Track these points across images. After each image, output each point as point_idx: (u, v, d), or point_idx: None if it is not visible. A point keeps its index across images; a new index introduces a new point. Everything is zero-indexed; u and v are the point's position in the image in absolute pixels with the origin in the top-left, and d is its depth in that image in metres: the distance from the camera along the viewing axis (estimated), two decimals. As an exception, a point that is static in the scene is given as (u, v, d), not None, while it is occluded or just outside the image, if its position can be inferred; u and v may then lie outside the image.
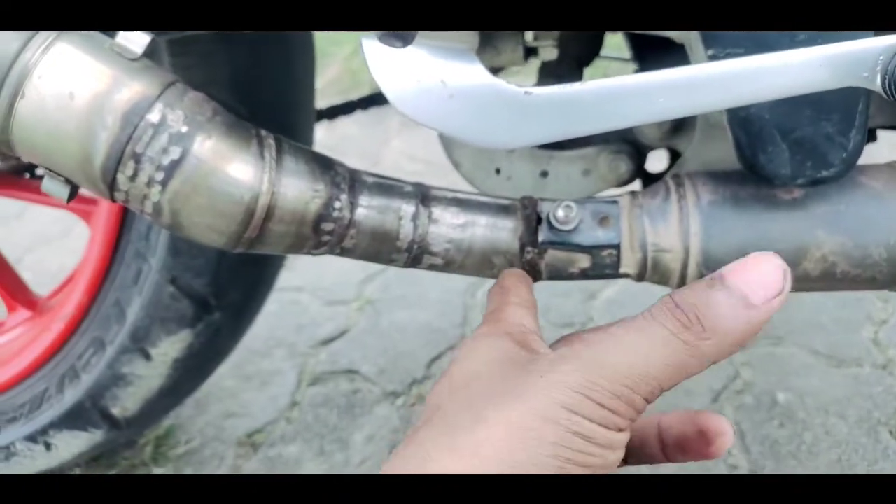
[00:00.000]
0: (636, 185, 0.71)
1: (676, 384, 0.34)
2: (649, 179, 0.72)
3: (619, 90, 0.39)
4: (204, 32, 0.53)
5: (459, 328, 1.13)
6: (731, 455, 0.87)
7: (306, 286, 1.28)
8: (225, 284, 0.72)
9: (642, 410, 0.34)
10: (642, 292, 1.16)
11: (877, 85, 0.37)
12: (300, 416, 1.00)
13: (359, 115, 1.01)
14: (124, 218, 0.71)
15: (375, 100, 0.97)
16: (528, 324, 0.42)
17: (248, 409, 1.02)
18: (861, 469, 0.83)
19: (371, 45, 0.41)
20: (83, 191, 0.77)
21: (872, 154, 0.54)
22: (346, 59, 2.15)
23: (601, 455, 0.32)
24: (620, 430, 0.33)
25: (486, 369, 0.36)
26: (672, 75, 0.39)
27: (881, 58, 0.36)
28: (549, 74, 0.66)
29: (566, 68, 0.65)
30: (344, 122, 1.21)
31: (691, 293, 0.34)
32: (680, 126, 0.65)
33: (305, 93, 0.74)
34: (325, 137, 1.87)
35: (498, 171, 0.69)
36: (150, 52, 0.45)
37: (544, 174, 0.69)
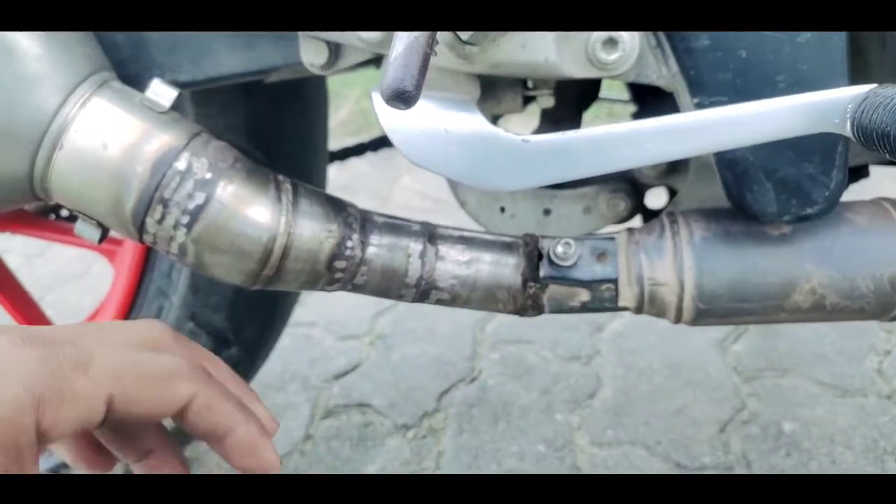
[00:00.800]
0: (637, 220, 0.74)
1: None
2: (650, 215, 0.74)
3: (610, 138, 0.42)
4: (225, 84, 0.57)
5: (469, 361, 1.16)
6: (737, 485, 0.88)
7: (319, 321, 1.31)
8: (242, 320, 0.75)
9: None
10: (648, 325, 1.18)
11: (847, 130, 0.39)
12: (313, 449, 1.02)
13: (369, 155, 1.05)
14: (147, 258, 0.74)
15: (385, 141, 1.00)
16: None
17: (263, 442, 1.04)
18: (866, 499, 0.84)
19: (379, 95, 0.44)
20: (76, 233, 0.81)
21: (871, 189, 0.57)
22: (357, 99, 2.21)
23: None
24: None
25: None
26: (659, 123, 0.42)
27: (850, 106, 0.39)
28: (550, 119, 0.69)
29: (565, 113, 0.68)
30: (355, 162, 1.25)
31: None
32: (675, 165, 0.68)
33: (319, 136, 0.78)
34: (337, 176, 1.92)
35: (502, 209, 0.72)
36: (177, 105, 0.49)
37: (547, 212, 0.72)
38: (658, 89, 0.58)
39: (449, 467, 0.95)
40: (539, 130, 0.70)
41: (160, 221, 0.47)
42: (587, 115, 0.73)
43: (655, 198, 0.75)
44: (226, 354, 0.76)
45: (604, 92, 0.75)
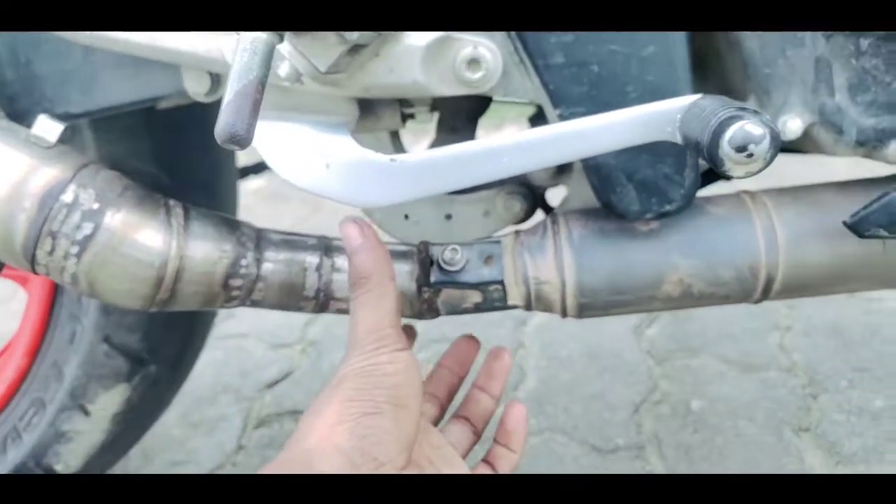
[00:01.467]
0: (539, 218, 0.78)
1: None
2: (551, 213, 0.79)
3: (471, 154, 0.46)
4: (117, 113, 0.58)
5: (398, 362, 1.18)
6: (649, 463, 0.93)
7: (251, 332, 1.33)
8: (158, 338, 0.76)
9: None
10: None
11: (677, 138, 0.44)
12: (246, 460, 1.04)
13: None
14: (57, 284, 0.75)
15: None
16: None
17: (195, 456, 1.05)
18: (767, 466, 0.91)
19: (260, 124, 0.47)
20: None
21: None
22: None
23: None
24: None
25: None
26: (516, 138, 0.46)
27: (678, 116, 0.44)
28: (446, 128, 0.73)
29: (459, 122, 0.71)
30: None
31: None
32: (564, 168, 0.72)
33: (224, 154, 0.79)
34: (266, 186, 1.92)
35: (406, 216, 0.75)
36: (71, 135, 0.51)
37: (448, 217, 0.75)
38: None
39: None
40: (435, 141, 0.74)
41: (50, 253, 0.48)
42: (484, 120, 0.76)
43: (556, 196, 0.79)
44: (144, 373, 0.77)
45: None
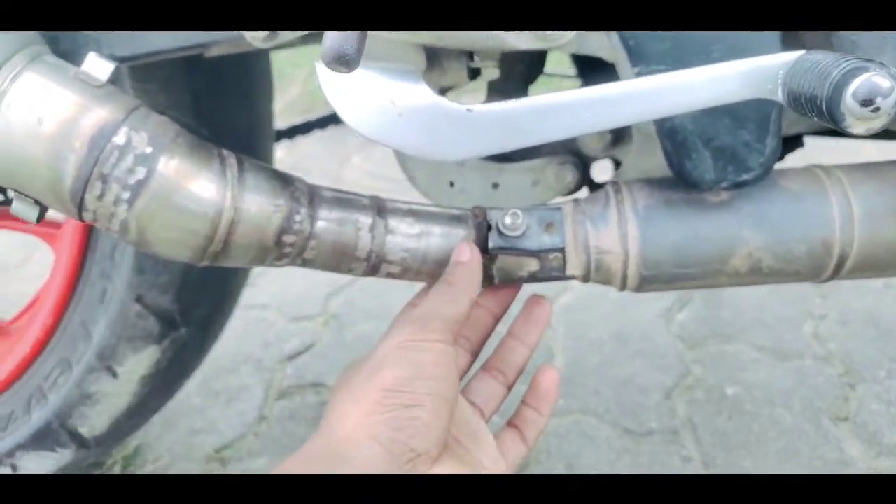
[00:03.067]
0: (583, 193, 0.75)
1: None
2: (595, 188, 0.76)
3: (552, 106, 0.43)
4: (165, 59, 0.55)
5: (422, 338, 1.16)
6: (684, 447, 0.91)
7: (272, 303, 1.30)
8: (190, 300, 0.74)
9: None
10: (596, 298, 1.21)
11: (779, 96, 0.41)
12: (268, 430, 1.02)
13: (319, 134, 1.04)
14: (89, 239, 0.73)
15: (333, 119, 1.00)
16: None
17: (216, 425, 1.03)
18: (805, 454, 0.88)
19: (324, 68, 0.44)
20: (47, 214, 0.78)
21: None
22: (304, 80, 2.18)
23: None
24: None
25: None
26: (600, 91, 0.43)
27: (781, 72, 0.41)
28: (496, 92, 0.70)
29: (512, 86, 0.69)
30: (305, 142, 1.24)
31: None
32: (620, 137, 0.69)
33: (264, 113, 0.77)
34: (287, 156, 1.89)
35: (451, 183, 0.73)
36: (114, 80, 0.48)
37: (495, 185, 0.73)
38: (602, 64, 0.59)
39: (405, 442, 0.96)
40: (486, 104, 0.71)
41: (100, 198, 0.45)
42: (534, 91, 0.74)
43: (601, 171, 0.76)
44: (174, 336, 0.75)
45: (550, 67, 0.76)
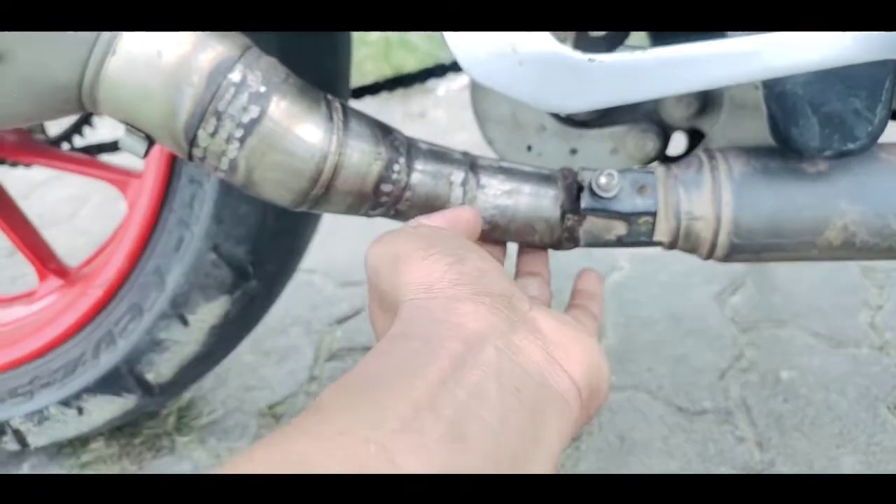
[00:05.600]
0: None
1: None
2: (668, 162, 0.75)
3: (675, 59, 0.42)
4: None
5: (472, 308, 1.16)
6: (738, 428, 0.91)
7: (318, 268, 1.31)
8: (263, 253, 0.75)
9: None
10: (646, 277, 1.20)
11: (913, 56, 0.40)
12: (319, 390, 1.03)
13: (363, 107, 1.04)
14: (168, 188, 0.73)
15: (396, 83, 0.99)
16: None
17: (268, 382, 1.04)
18: (862, 441, 0.88)
19: (445, 13, 0.44)
20: (119, 162, 0.79)
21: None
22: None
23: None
24: None
25: None
26: (723, 47, 0.43)
27: (917, 32, 0.40)
28: (586, 47, 0.69)
29: (604, 43, 0.68)
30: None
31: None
32: (706, 107, 0.68)
33: (344, 69, 0.77)
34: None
35: (529, 147, 0.72)
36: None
37: (573, 151, 0.72)
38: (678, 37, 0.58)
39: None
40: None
41: (213, 135, 0.46)
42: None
43: (674, 145, 0.75)
44: (245, 287, 0.76)
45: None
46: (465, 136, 1.59)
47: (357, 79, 2.03)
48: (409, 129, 1.78)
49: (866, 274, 1.18)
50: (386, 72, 2.05)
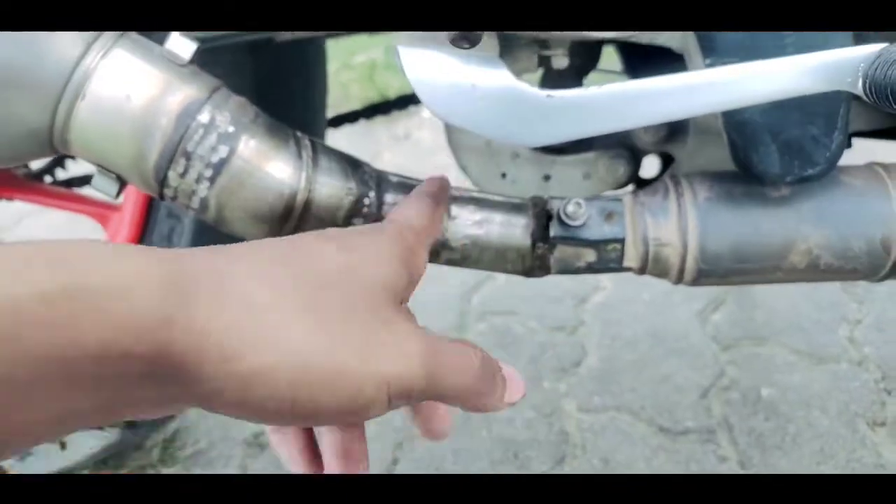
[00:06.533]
0: (629, 189, 0.76)
1: None
2: (641, 185, 0.76)
3: (631, 94, 0.44)
4: (231, 44, 0.56)
5: (457, 331, 1.17)
6: (720, 447, 0.91)
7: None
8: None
9: None
10: (629, 297, 1.21)
11: (858, 89, 0.41)
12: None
13: (349, 130, 1.05)
14: (146, 221, 0.74)
15: (375, 110, 1.01)
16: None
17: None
18: (842, 457, 0.88)
19: (407, 52, 0.45)
20: (99, 195, 0.79)
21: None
22: (335, 73, 2.19)
23: None
24: None
25: None
26: (678, 80, 0.44)
27: (862, 64, 0.41)
28: (552, 81, 0.70)
29: (568, 77, 0.69)
30: (335, 137, 1.25)
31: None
32: (673, 133, 0.70)
33: (319, 100, 0.78)
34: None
35: (504, 175, 0.73)
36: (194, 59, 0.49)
37: (547, 178, 0.73)
38: (651, 59, 0.59)
39: (440, 434, 0.97)
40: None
41: (183, 175, 0.47)
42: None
43: (647, 168, 0.77)
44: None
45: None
46: (449, 158, 1.60)
47: (343, 102, 2.06)
48: (395, 150, 1.80)
49: (845, 289, 1.19)
50: (372, 94, 2.07)
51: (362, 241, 0.37)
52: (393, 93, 2.06)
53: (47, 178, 0.93)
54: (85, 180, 0.93)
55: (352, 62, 2.20)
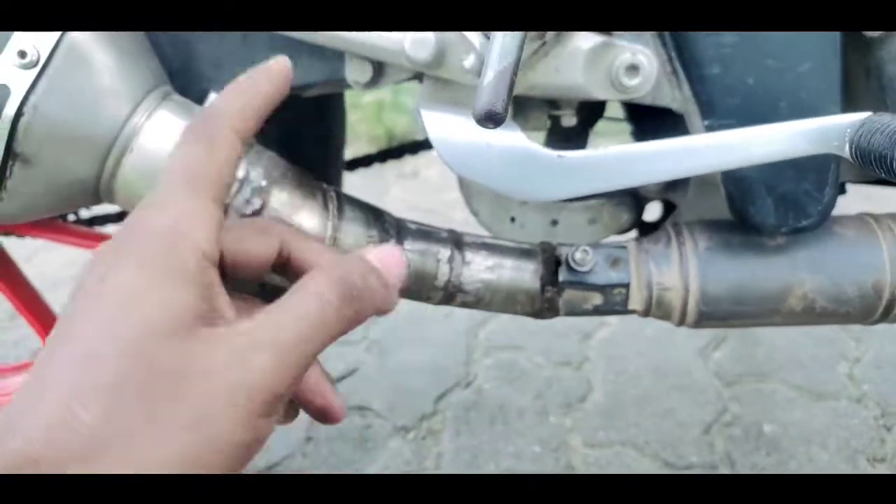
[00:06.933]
0: (632, 233, 0.79)
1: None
2: (644, 227, 0.80)
3: (635, 156, 0.47)
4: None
5: (464, 366, 1.20)
6: (723, 482, 0.94)
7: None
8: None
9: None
10: (634, 333, 1.24)
11: (845, 152, 0.45)
12: (315, 450, 1.05)
13: (360, 169, 1.09)
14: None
15: (391, 154, 1.05)
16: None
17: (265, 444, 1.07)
18: (842, 494, 0.90)
19: (429, 115, 0.49)
20: (99, 229, 0.83)
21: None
22: (344, 111, 2.25)
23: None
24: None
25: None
26: (679, 144, 0.47)
27: (848, 130, 0.45)
28: (558, 136, 0.74)
29: (574, 130, 0.73)
30: (348, 175, 1.29)
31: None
32: (675, 182, 0.73)
33: (338, 149, 0.82)
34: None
35: (513, 219, 0.77)
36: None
37: (554, 223, 0.77)
38: (652, 110, 0.63)
39: (449, 467, 0.99)
40: (547, 146, 0.75)
41: (219, 225, 0.50)
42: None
43: (650, 212, 0.80)
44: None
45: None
46: (456, 195, 1.64)
47: (352, 140, 2.10)
48: (403, 187, 1.84)
49: (844, 327, 1.22)
50: (379, 132, 2.12)
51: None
52: (399, 131, 2.11)
53: (70, 217, 0.96)
54: (107, 219, 0.96)
55: (360, 102, 2.26)
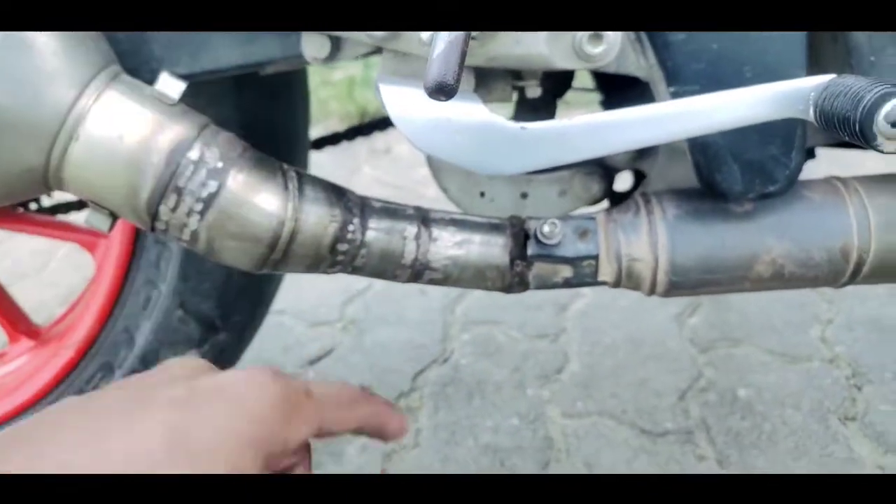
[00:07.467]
0: (604, 203, 0.79)
1: None
2: (616, 198, 0.79)
3: (599, 125, 0.46)
4: (222, 76, 0.58)
5: (441, 343, 1.19)
6: (699, 447, 0.95)
7: (288, 309, 1.33)
8: (230, 306, 0.77)
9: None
10: (609, 304, 1.24)
11: (810, 116, 0.44)
12: (293, 433, 1.04)
13: (328, 146, 1.07)
14: (134, 249, 0.75)
15: (357, 131, 1.03)
16: None
17: (242, 428, 1.06)
18: (815, 452, 0.92)
19: (388, 89, 0.47)
20: (85, 223, 0.81)
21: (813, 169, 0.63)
22: (314, 89, 2.21)
23: None
24: None
25: None
26: (643, 112, 0.47)
27: (812, 94, 0.44)
28: (527, 107, 0.73)
29: (542, 100, 0.72)
30: (317, 153, 1.27)
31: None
32: (644, 150, 0.73)
33: (302, 127, 0.80)
34: (297, 165, 1.92)
35: (482, 194, 0.76)
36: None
37: (524, 195, 0.76)
38: (621, 79, 0.62)
39: (427, 444, 0.99)
40: (515, 117, 0.74)
41: (174, 209, 0.49)
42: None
43: (621, 182, 0.80)
44: (214, 340, 0.78)
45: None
46: (427, 172, 1.63)
47: (322, 118, 2.07)
48: (374, 164, 1.82)
49: (816, 290, 1.23)
50: (351, 109, 2.09)
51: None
52: (371, 108, 2.08)
53: (32, 206, 0.94)
54: (71, 206, 0.94)
55: (331, 79, 2.22)
